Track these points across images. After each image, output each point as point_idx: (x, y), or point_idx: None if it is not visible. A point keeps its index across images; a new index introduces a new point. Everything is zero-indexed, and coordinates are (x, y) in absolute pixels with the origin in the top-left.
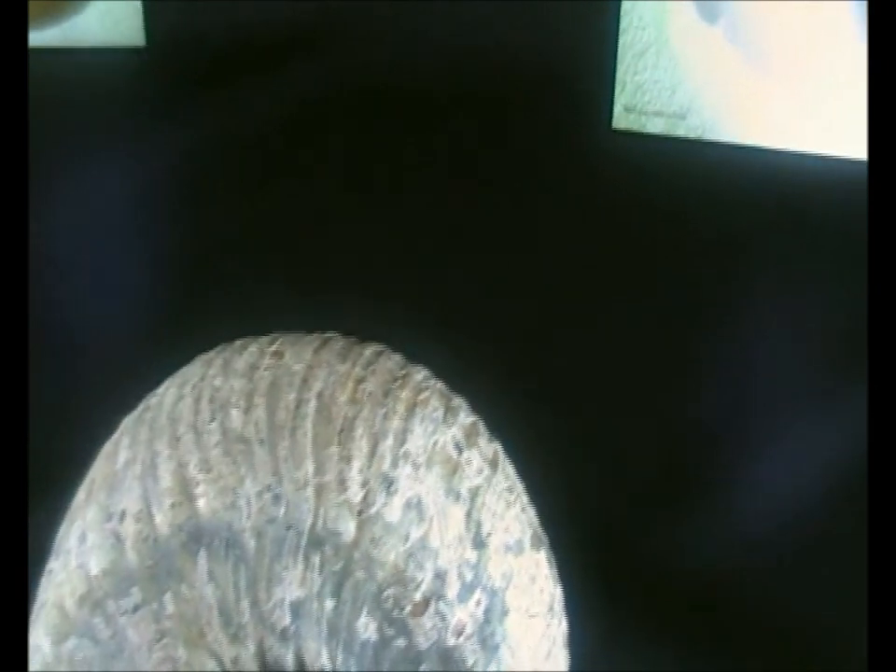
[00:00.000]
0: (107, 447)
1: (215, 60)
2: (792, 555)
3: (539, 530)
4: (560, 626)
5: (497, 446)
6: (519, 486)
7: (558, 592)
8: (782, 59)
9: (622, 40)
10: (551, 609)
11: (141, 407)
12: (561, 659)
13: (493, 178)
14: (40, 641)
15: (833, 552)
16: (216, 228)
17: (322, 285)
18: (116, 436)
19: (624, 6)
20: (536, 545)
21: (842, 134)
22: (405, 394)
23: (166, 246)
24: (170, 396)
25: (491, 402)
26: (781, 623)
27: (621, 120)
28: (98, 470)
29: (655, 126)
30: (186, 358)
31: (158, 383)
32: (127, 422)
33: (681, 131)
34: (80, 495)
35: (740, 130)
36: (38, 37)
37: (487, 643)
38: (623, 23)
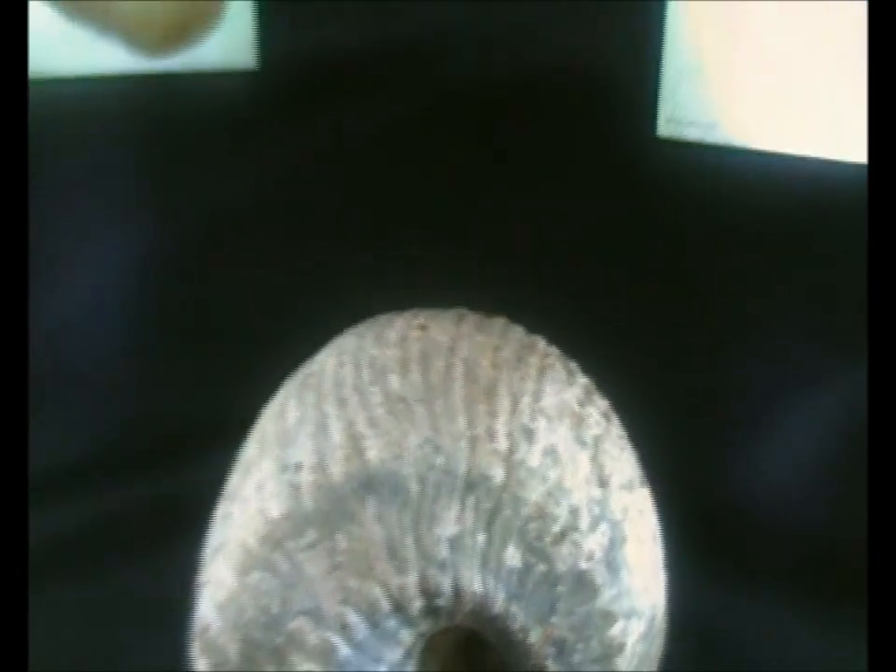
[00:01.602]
0: (273, 408)
1: (327, 81)
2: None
3: (641, 470)
4: (661, 553)
5: (607, 402)
6: (625, 434)
7: (657, 523)
8: (809, 70)
9: (664, 59)
10: (655, 537)
11: (302, 374)
12: (663, 580)
13: (542, 183)
14: (223, 575)
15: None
16: (330, 247)
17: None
18: (280, 398)
19: (668, 29)
20: (642, 483)
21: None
22: (534, 359)
23: (280, 262)
24: (330, 364)
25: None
26: (822, 545)
27: (664, 129)
28: (268, 428)
29: (692, 134)
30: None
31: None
32: (290, 386)
33: (715, 138)
34: (252, 450)
35: (771, 138)
36: (150, 64)
37: (612, 566)
38: (667, 44)
